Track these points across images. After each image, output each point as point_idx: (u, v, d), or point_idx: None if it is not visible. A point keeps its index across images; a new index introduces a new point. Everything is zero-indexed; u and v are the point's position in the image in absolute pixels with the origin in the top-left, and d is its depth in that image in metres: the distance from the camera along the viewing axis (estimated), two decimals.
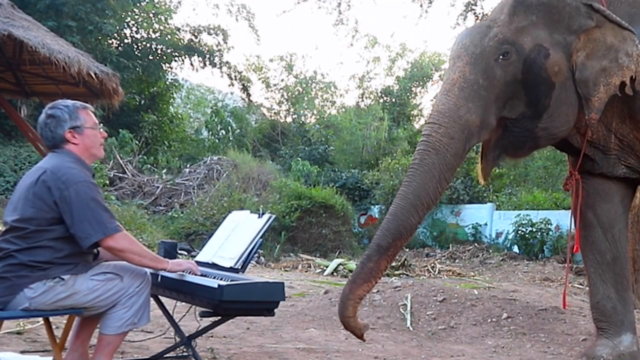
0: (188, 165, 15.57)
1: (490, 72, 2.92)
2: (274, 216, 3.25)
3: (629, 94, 3.01)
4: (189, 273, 2.81)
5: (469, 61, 2.92)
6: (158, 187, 13.79)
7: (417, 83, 21.52)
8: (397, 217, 2.77)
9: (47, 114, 2.55)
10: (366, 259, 2.74)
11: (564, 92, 3.00)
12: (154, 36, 17.26)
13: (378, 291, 5.41)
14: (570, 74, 3.01)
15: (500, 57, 2.93)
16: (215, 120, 19.79)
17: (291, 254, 11.26)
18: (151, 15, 17.04)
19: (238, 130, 20.10)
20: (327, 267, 9.17)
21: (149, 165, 14.74)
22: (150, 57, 16.72)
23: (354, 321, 2.72)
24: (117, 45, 16.25)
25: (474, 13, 10.10)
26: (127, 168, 13.96)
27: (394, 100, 20.86)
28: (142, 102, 17.08)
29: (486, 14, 9.57)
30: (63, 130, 2.53)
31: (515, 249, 12.10)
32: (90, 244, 2.43)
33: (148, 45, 17.04)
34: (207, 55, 17.74)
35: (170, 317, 3.27)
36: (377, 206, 14.46)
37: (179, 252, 3.63)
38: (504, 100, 2.98)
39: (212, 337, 3.93)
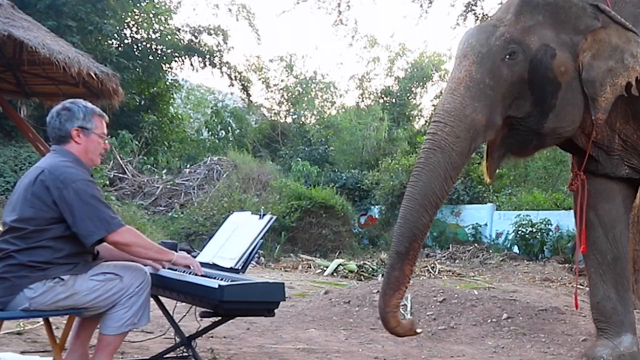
0: (188, 166, 15.59)
1: (497, 72, 2.91)
2: (274, 217, 3.24)
3: (635, 94, 3.02)
4: (192, 273, 2.81)
5: (475, 60, 2.92)
6: (158, 187, 13.79)
7: (417, 83, 21.53)
8: (408, 220, 2.77)
9: (64, 106, 2.58)
10: (390, 268, 2.76)
11: (570, 92, 3.00)
12: (154, 37, 17.24)
13: (378, 291, 5.40)
14: (576, 74, 3.01)
15: (507, 56, 2.92)
16: (215, 120, 19.82)
17: (291, 255, 11.26)
18: (151, 15, 17.02)
19: (238, 131, 20.13)
20: (327, 267, 9.17)
21: (149, 166, 14.74)
22: (150, 58, 16.70)
23: (401, 328, 2.76)
24: (117, 45, 16.24)
25: (474, 13, 10.09)
26: (127, 168, 13.96)
27: (393, 100, 20.87)
28: (142, 102, 17.05)
29: (486, 15, 9.57)
30: (72, 126, 2.54)
31: (516, 249, 12.09)
32: (93, 241, 2.43)
33: (148, 45, 17.03)
34: (207, 56, 17.74)
35: (170, 318, 3.27)
36: (377, 206, 14.45)
37: (179, 252, 3.62)
38: (510, 99, 2.97)
39: (212, 337, 3.92)
